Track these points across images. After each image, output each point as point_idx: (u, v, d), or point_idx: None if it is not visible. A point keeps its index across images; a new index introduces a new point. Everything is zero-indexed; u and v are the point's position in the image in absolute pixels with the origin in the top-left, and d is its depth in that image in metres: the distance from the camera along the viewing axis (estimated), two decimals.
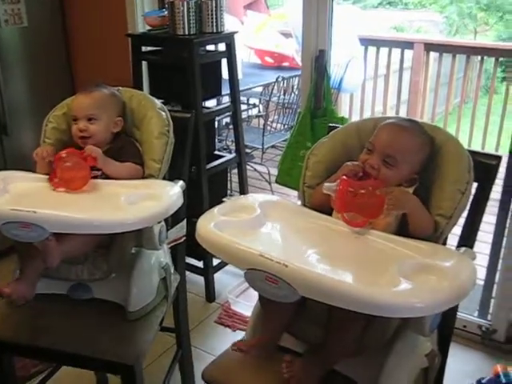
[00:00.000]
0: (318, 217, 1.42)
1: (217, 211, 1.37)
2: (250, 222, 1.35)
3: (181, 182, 1.66)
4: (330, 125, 1.65)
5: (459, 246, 1.41)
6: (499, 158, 1.42)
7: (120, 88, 1.82)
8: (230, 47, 2.59)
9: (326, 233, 1.36)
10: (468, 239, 1.44)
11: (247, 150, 3.82)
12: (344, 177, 1.35)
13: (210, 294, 2.72)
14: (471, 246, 1.41)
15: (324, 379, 1.30)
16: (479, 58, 4.61)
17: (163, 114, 1.73)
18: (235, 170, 3.02)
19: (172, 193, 1.55)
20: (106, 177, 1.63)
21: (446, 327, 1.46)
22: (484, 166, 1.40)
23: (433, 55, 4.68)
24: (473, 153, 1.39)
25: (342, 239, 1.33)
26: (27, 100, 3.06)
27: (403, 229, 1.35)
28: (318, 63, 2.40)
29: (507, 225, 2.30)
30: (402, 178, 1.39)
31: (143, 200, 1.49)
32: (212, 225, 1.29)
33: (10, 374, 1.73)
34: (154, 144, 1.69)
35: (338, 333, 1.28)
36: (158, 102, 1.77)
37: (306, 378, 1.29)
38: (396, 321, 1.30)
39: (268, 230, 1.35)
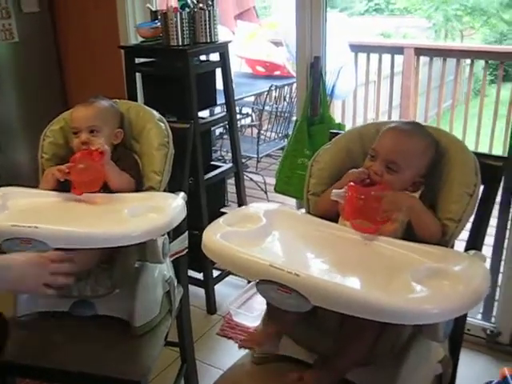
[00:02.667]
0: (325, 224, 1.41)
1: (222, 222, 1.35)
2: (256, 232, 1.33)
3: (182, 194, 1.64)
4: (332, 131, 1.64)
5: (467, 249, 1.39)
6: (505, 159, 1.42)
7: (117, 100, 1.80)
8: (224, 56, 2.58)
9: (333, 240, 1.34)
10: (476, 242, 1.42)
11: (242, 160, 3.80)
12: (352, 183, 1.33)
13: (211, 305, 2.68)
14: (479, 249, 1.40)
15: None
16: (469, 61, 4.63)
17: (162, 125, 1.72)
18: (230, 181, 3.00)
19: (175, 205, 1.53)
20: (106, 191, 1.61)
21: (457, 332, 1.44)
22: (490, 168, 1.39)
23: (423, 59, 4.69)
24: (478, 155, 1.38)
25: (351, 246, 1.31)
26: (20, 116, 3.04)
27: (411, 235, 1.33)
28: (314, 70, 2.39)
29: (508, 226, 2.29)
30: (407, 182, 1.38)
31: (147, 212, 1.48)
32: (218, 235, 1.27)
33: None
34: (155, 156, 1.67)
35: (351, 342, 1.25)
36: (157, 114, 1.76)
37: None
38: (409, 328, 1.28)
39: (275, 239, 1.33)
